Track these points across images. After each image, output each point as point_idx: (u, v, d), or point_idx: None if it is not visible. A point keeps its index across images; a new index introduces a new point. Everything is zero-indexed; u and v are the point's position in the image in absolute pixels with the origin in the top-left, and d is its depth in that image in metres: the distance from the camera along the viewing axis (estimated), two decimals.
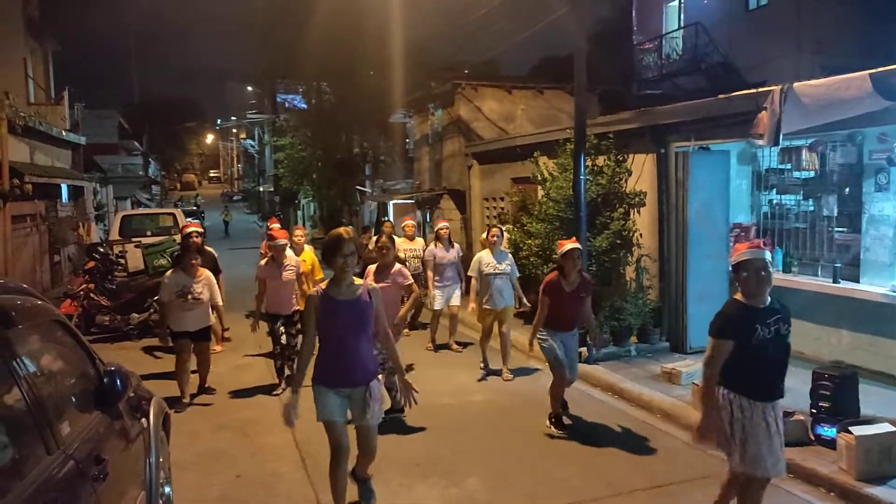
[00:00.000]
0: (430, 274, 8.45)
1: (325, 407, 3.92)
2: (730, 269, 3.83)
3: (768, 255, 3.66)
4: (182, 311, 6.56)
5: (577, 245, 5.78)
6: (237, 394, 7.08)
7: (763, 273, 3.58)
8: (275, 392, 6.97)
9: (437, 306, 8.54)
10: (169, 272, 6.80)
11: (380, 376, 4.03)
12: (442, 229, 8.55)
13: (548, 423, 5.77)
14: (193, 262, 6.66)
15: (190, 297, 6.54)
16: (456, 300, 8.49)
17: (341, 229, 4.00)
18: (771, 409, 3.63)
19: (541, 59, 25.27)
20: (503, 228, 10.27)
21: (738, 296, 3.70)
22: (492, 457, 5.24)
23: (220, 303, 6.94)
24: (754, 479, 3.69)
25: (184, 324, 6.60)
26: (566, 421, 5.88)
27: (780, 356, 3.69)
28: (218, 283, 7.21)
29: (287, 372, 7.03)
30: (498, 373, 7.44)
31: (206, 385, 7.00)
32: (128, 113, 37.62)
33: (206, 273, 6.76)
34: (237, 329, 10.23)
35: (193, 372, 6.93)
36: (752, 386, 3.61)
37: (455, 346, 8.70)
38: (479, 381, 7.35)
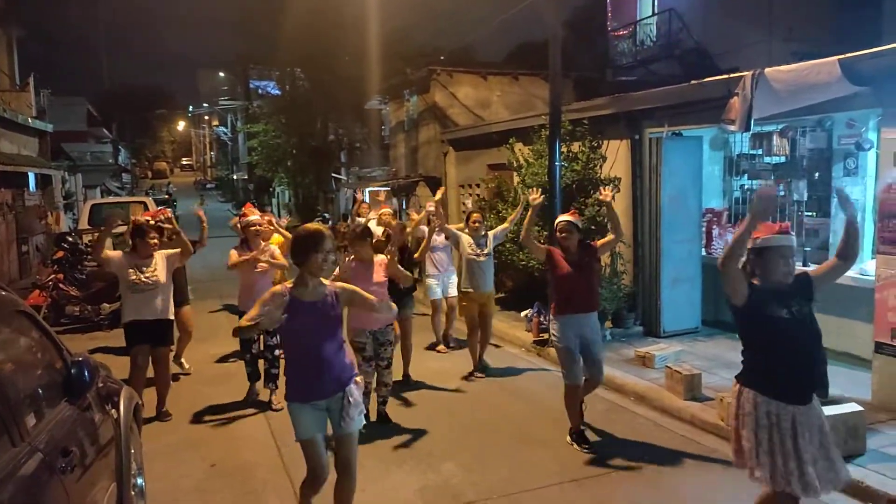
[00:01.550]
0: (427, 256, 7.70)
1: (301, 425, 3.57)
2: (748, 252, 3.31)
3: (794, 242, 3.29)
4: (132, 292, 5.61)
5: (566, 217, 5.15)
6: (211, 382, 7.01)
7: (791, 260, 3.21)
8: (253, 396, 6.26)
9: (434, 296, 7.91)
10: (119, 253, 5.84)
11: (357, 379, 3.67)
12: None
13: (568, 438, 5.15)
14: (151, 241, 5.72)
15: (143, 275, 5.61)
16: (454, 289, 7.80)
17: (317, 224, 3.71)
18: (804, 414, 3.13)
19: (517, 45, 25.23)
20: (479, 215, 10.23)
21: (755, 281, 3.26)
22: (468, 442, 5.26)
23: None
24: (782, 495, 3.16)
25: (136, 309, 5.61)
26: (591, 437, 5.20)
27: (807, 345, 3.21)
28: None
29: (267, 385, 6.20)
30: (487, 372, 7.06)
31: (164, 408, 5.93)
32: (97, 100, 36.82)
33: (159, 252, 5.81)
34: (212, 318, 10.15)
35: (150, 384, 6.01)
36: (779, 383, 3.16)
37: (442, 348, 8.04)
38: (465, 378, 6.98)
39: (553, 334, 5.13)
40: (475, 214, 7.20)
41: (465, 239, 7.03)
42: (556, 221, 5.25)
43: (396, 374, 6.33)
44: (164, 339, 5.87)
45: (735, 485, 4.44)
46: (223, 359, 7.95)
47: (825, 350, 3.24)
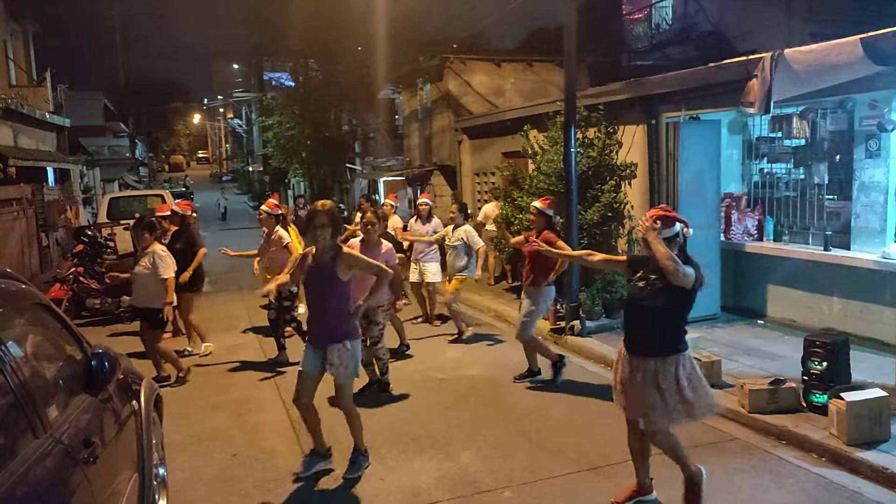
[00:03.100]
0: (407, 246, 8.70)
1: (302, 359, 4.46)
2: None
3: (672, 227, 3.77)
4: (132, 282, 6.66)
5: (534, 202, 6.26)
6: (230, 373, 7.07)
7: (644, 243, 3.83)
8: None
9: (412, 279, 8.61)
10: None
11: (346, 343, 4.30)
12: (421, 205, 8.88)
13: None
14: (143, 236, 6.59)
15: (135, 267, 6.58)
16: (430, 275, 8.43)
17: (319, 202, 4.40)
18: (642, 364, 3.77)
19: (530, 31, 25.02)
20: (494, 204, 10.53)
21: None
22: (487, 430, 5.26)
23: (166, 276, 6.47)
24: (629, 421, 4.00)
25: (133, 296, 6.72)
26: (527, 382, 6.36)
27: (648, 309, 3.79)
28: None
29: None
30: (484, 337, 8.15)
31: (159, 374, 6.62)
32: (113, 94, 37.05)
33: (154, 247, 6.55)
34: (231, 308, 10.22)
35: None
36: (627, 335, 3.95)
37: (435, 322, 8.83)
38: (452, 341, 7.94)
39: None
40: (453, 206, 8.47)
41: (445, 231, 8.29)
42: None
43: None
44: (149, 321, 6.57)
45: (755, 470, 4.41)
46: (240, 346, 8.02)
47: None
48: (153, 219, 7.36)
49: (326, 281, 4.27)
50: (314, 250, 4.37)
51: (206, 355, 7.64)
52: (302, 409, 4.49)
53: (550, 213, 6.16)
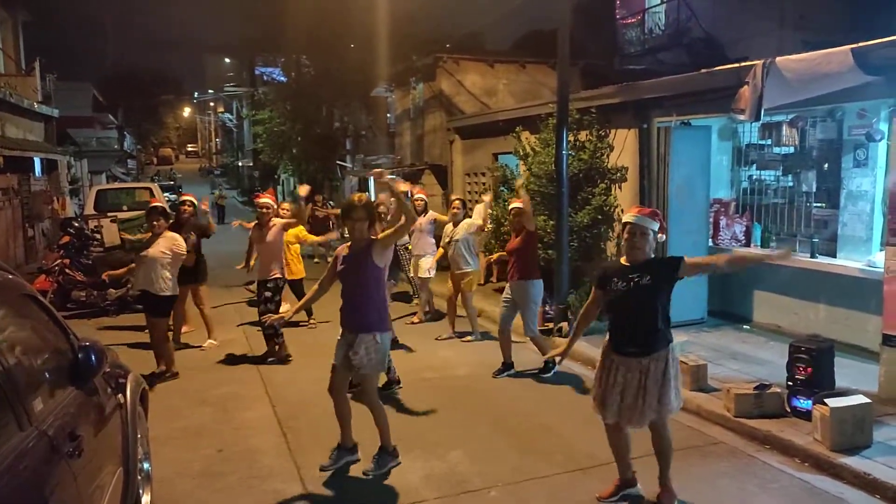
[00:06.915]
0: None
1: (335, 352, 4.53)
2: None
3: (648, 223, 3.84)
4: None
5: (514, 203, 6.52)
6: (218, 369, 7.04)
7: (634, 238, 3.83)
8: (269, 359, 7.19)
9: (411, 273, 8.82)
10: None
11: (377, 335, 4.36)
12: (417, 200, 8.86)
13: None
14: (154, 223, 6.54)
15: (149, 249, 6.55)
16: (423, 271, 8.52)
17: (355, 195, 4.61)
18: (627, 366, 3.80)
19: (524, 32, 25.01)
20: (484, 204, 10.60)
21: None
22: (475, 430, 5.26)
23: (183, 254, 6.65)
24: (608, 425, 4.00)
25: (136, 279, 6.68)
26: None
27: (636, 306, 3.83)
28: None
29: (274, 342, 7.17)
30: (462, 335, 8.04)
31: (159, 369, 6.54)
32: (102, 85, 36.78)
33: (166, 234, 6.54)
34: (220, 304, 10.15)
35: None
36: (615, 338, 3.92)
37: (415, 319, 8.94)
38: (439, 339, 8.03)
39: None
40: (455, 202, 8.18)
41: (447, 226, 8.08)
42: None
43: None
44: (150, 309, 6.55)
45: (740, 474, 4.45)
46: (229, 342, 7.96)
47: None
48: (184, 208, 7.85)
49: (363, 268, 4.41)
50: (350, 243, 4.53)
51: (202, 349, 7.71)
52: (335, 400, 4.58)
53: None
